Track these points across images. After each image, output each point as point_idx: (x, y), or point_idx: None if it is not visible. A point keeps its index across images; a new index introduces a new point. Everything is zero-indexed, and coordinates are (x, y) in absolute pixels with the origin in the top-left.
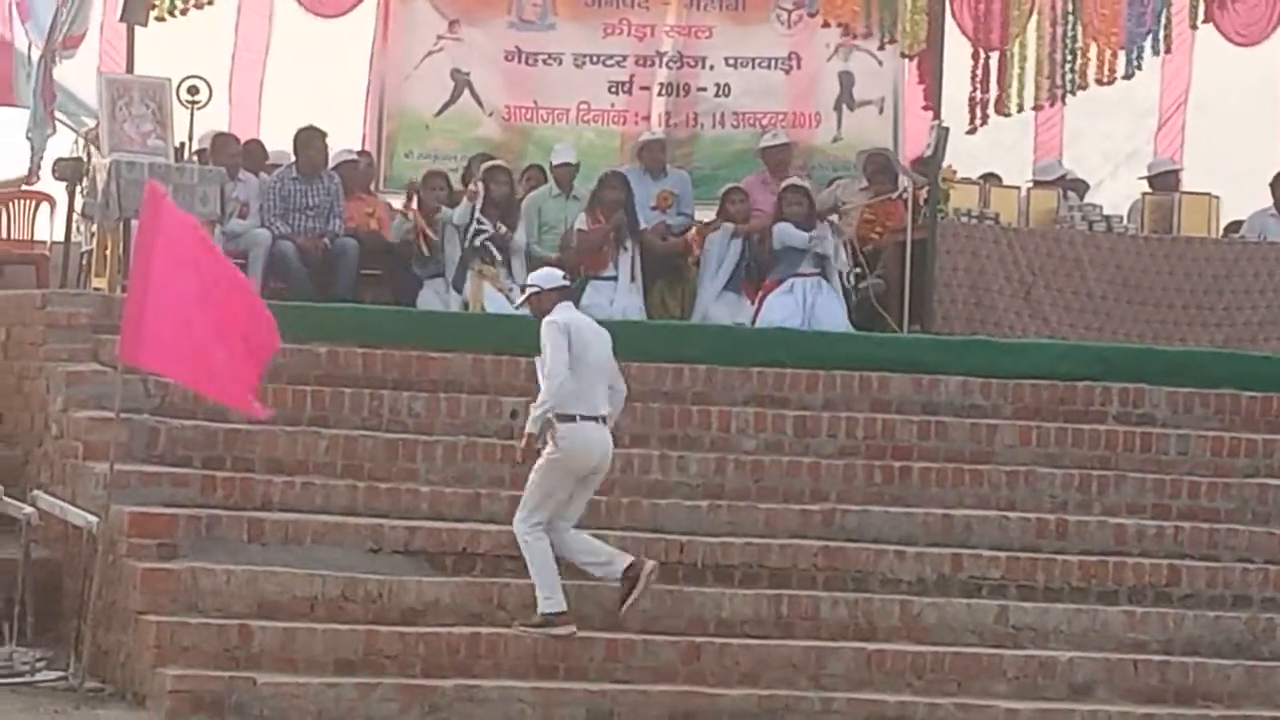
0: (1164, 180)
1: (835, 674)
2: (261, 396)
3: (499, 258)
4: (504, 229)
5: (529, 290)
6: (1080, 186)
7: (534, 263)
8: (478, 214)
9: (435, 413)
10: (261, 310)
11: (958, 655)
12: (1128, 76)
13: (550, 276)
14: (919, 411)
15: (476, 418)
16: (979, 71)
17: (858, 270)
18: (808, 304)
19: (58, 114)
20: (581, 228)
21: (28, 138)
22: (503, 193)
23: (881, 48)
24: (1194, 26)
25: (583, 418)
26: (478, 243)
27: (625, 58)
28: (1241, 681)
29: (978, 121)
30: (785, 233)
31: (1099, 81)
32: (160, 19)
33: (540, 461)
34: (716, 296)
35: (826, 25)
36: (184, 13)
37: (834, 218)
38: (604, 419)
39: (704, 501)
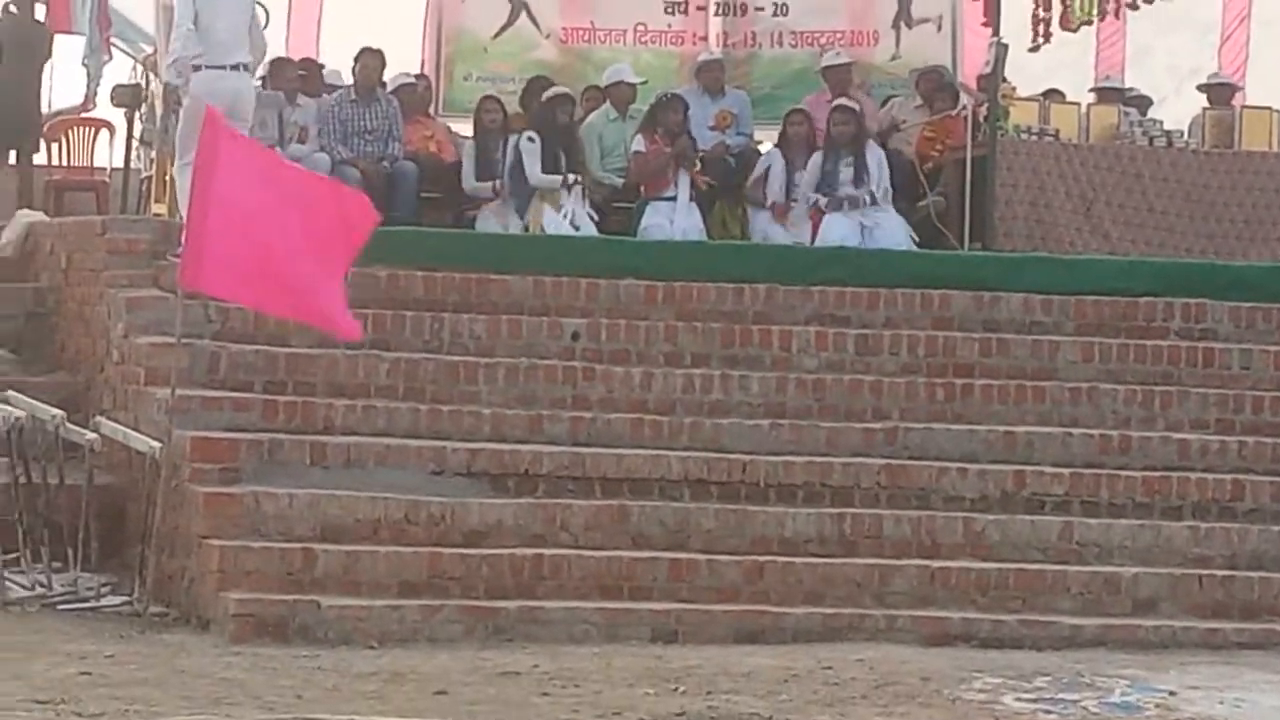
0: (1220, 93)
1: (899, 592)
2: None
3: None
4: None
5: None
6: (1143, 103)
7: (596, 187)
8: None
9: (496, 335)
10: (351, 198)
11: (1021, 572)
12: None
13: None
14: (980, 329)
15: (537, 339)
16: None
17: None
18: (864, 222)
19: (114, 40)
20: (639, 149)
21: (84, 64)
22: (564, 121)
23: None
24: None
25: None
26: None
27: None
28: None
29: (1040, 39)
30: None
31: None
32: None
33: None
34: (771, 217)
35: None
36: None
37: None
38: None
39: (765, 421)
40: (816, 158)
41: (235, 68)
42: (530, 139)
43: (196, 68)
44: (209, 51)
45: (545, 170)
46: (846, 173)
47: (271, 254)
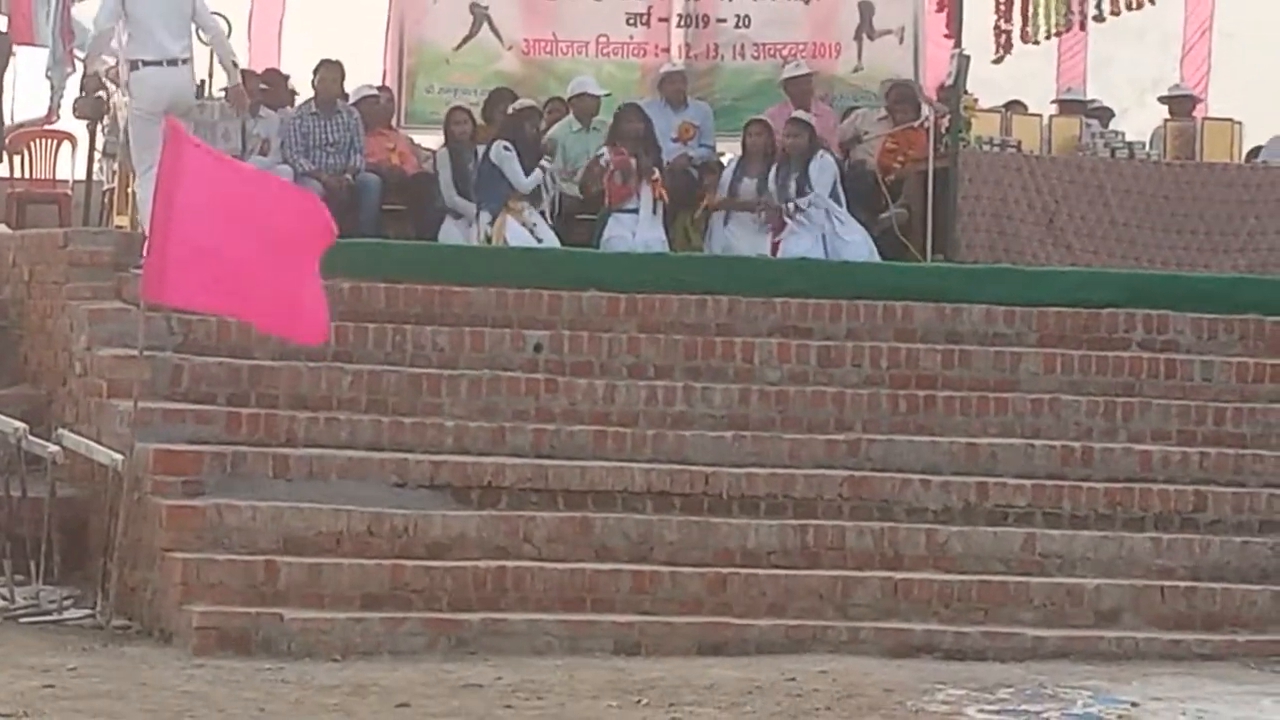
0: (1181, 105)
1: (861, 604)
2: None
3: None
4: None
5: None
6: (1104, 114)
7: (558, 198)
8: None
9: (459, 347)
10: (311, 209)
11: (984, 583)
12: (1153, 3)
13: None
14: (943, 340)
15: (500, 351)
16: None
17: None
18: (826, 234)
19: (77, 52)
20: (603, 162)
21: (47, 77)
22: (533, 132)
23: None
24: None
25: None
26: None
27: None
28: (1268, 607)
29: (1002, 50)
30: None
31: (1123, 8)
32: None
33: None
34: (725, 225)
35: None
36: None
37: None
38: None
39: (728, 432)
40: (774, 170)
41: (173, 63)
42: (505, 148)
43: (134, 65)
44: (144, 48)
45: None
46: (795, 184)
47: (234, 260)
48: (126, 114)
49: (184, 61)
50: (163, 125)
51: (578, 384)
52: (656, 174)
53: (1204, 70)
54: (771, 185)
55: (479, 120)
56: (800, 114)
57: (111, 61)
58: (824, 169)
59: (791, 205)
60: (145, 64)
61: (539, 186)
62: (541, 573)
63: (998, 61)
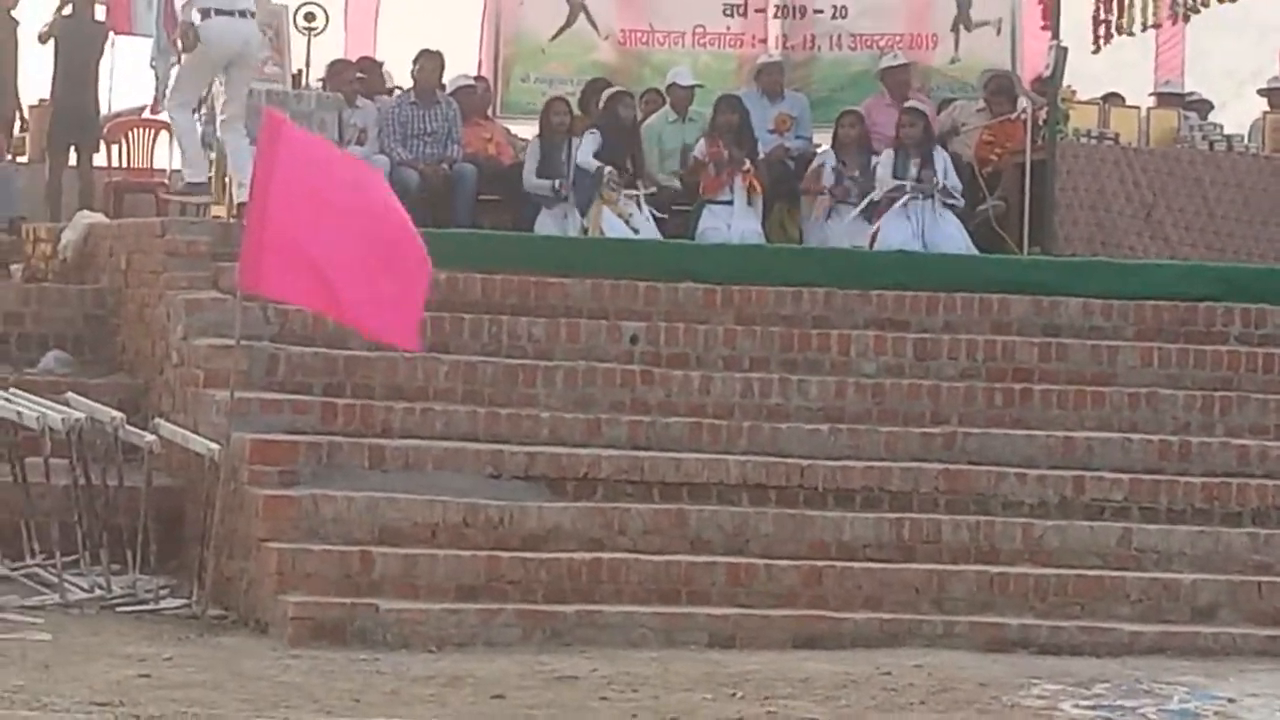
0: None
1: (957, 598)
2: (421, 326)
3: (619, 182)
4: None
5: None
6: (1203, 107)
7: (656, 189)
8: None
9: (554, 338)
10: (409, 236)
11: (1080, 578)
12: None
13: None
14: (1039, 333)
15: (596, 342)
16: None
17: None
18: (924, 226)
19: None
20: (698, 154)
21: (152, 66)
22: (627, 118)
23: None
24: None
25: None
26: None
27: None
28: None
29: (1101, 41)
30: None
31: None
32: None
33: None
34: (828, 218)
35: None
36: None
37: (943, 142)
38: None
39: (824, 425)
40: (886, 156)
41: (243, 14)
42: (592, 131)
43: (205, 13)
44: None
45: (603, 159)
46: (914, 173)
47: (332, 256)
48: (192, 50)
49: (252, 15)
50: (257, 109)
51: (673, 376)
52: (748, 165)
53: None
54: (913, 171)
55: (576, 111)
56: (915, 103)
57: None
58: (946, 160)
59: (942, 190)
60: (218, 13)
61: (633, 176)
62: (637, 565)
63: (1095, 52)
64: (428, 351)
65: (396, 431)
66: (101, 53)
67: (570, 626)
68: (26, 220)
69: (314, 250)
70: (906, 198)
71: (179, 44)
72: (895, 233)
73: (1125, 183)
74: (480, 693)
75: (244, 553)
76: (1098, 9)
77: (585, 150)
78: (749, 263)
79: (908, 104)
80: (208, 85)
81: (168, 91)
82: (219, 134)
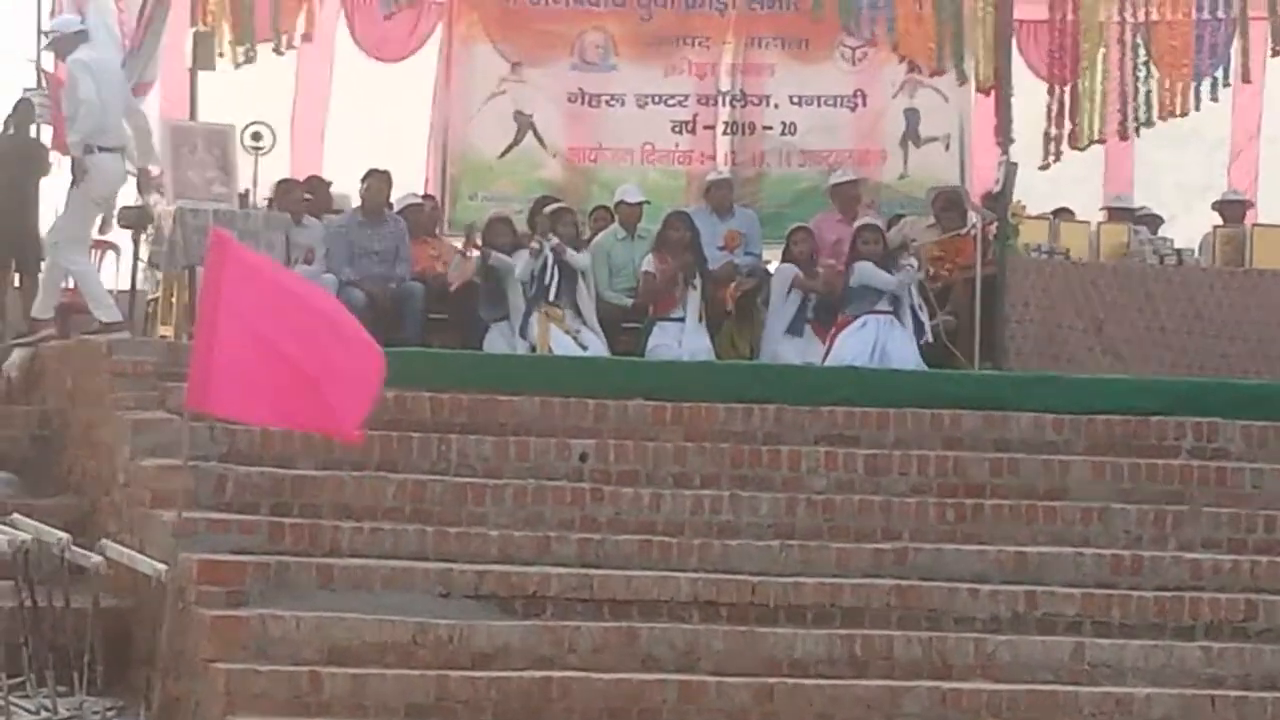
0: (1233, 210)
1: (910, 713)
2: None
3: (564, 300)
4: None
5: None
6: (1153, 221)
7: (603, 305)
8: (547, 266)
9: (504, 456)
10: (360, 341)
11: (1033, 693)
12: (1198, 109)
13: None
14: (991, 448)
15: (545, 461)
16: (1053, 106)
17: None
18: (879, 342)
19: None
20: (649, 270)
21: None
22: (569, 235)
23: (961, 83)
24: (1275, 54)
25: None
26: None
27: (688, 97)
28: None
29: (1051, 157)
30: (867, 273)
31: (1170, 114)
32: (238, 64)
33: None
34: (782, 337)
35: (901, 59)
36: (250, 60)
37: (911, 257)
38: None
39: (775, 541)
40: (862, 270)
41: (120, 150)
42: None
43: (89, 149)
44: (104, 134)
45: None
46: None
47: (278, 367)
48: (70, 196)
49: (123, 151)
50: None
51: (623, 493)
52: (696, 283)
53: (1252, 176)
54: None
55: (524, 229)
56: (871, 219)
57: (157, 170)
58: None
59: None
60: (102, 150)
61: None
62: (587, 683)
63: (1045, 168)
64: (376, 469)
65: (345, 550)
66: (44, 173)
67: None
68: None
69: (261, 366)
70: (875, 314)
71: (71, 174)
72: (850, 346)
73: (1076, 297)
74: None
75: (192, 673)
76: (1048, 125)
77: (507, 262)
78: (698, 379)
79: (865, 221)
80: (93, 223)
81: (58, 238)
82: (59, 258)
